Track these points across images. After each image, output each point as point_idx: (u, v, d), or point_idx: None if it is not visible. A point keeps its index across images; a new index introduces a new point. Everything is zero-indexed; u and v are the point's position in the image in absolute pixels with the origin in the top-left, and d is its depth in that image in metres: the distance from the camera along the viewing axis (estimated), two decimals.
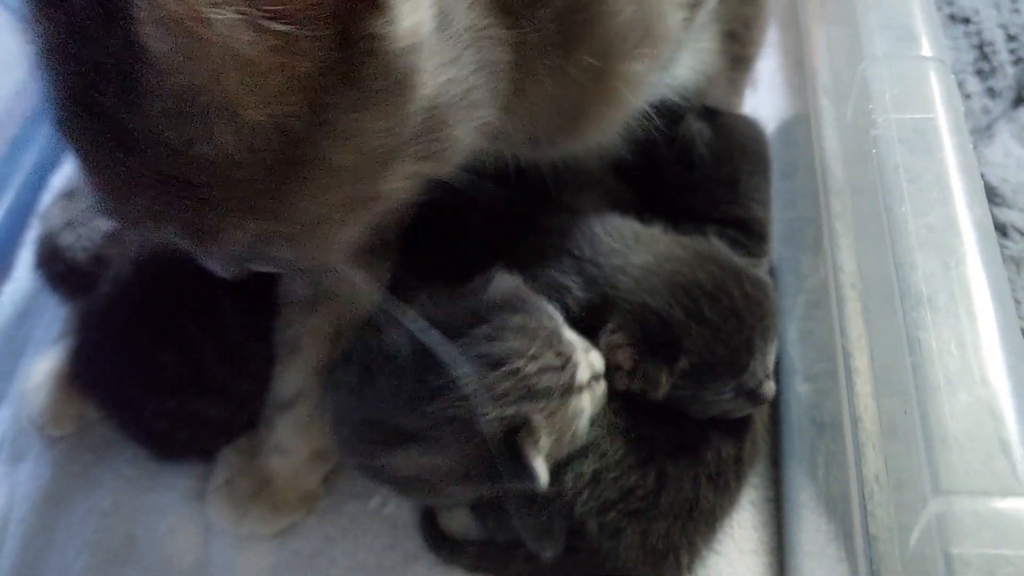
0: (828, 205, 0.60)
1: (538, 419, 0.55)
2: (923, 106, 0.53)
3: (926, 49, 0.56)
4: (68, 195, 0.77)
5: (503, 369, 0.55)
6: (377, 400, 0.58)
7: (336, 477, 0.70)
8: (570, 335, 0.59)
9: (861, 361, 0.51)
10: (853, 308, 0.54)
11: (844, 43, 0.60)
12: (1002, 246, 0.80)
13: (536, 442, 0.55)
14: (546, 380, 0.56)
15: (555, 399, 0.56)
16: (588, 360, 0.59)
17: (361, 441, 0.60)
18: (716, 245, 0.64)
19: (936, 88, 0.54)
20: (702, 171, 0.73)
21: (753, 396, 0.61)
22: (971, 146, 0.51)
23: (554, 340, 0.58)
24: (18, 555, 0.68)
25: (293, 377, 0.66)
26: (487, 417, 0.54)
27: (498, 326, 0.57)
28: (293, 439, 0.67)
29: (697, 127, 0.73)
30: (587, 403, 0.58)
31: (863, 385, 0.51)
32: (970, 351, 0.43)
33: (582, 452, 0.60)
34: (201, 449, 0.70)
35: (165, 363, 0.63)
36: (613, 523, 0.59)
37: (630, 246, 0.63)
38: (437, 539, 0.67)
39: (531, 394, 0.55)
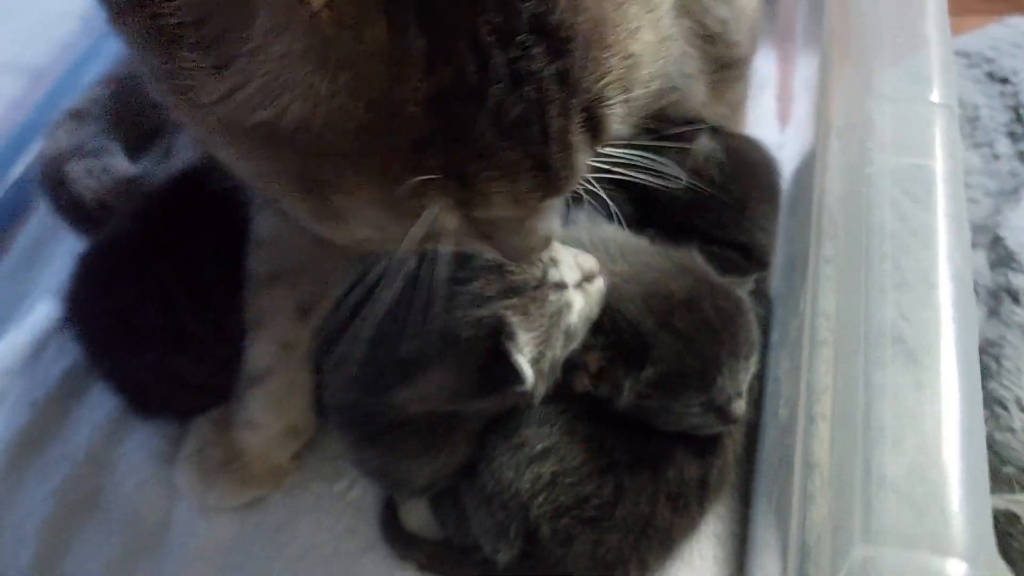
0: (819, 245, 0.59)
1: (510, 316, 0.56)
2: (922, 151, 0.52)
3: (936, 95, 0.55)
4: (76, 115, 0.77)
5: (480, 268, 0.57)
6: (373, 342, 0.58)
7: (308, 455, 0.71)
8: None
9: (824, 406, 0.50)
10: (826, 353, 0.53)
11: (857, 82, 0.59)
12: (1012, 312, 0.78)
13: (513, 338, 0.55)
14: (519, 279, 0.57)
15: (527, 295, 0.57)
16: (576, 261, 0.60)
17: (366, 389, 0.60)
18: (695, 258, 0.64)
19: (938, 134, 0.53)
20: (710, 192, 0.72)
21: (722, 413, 0.61)
22: (963, 197, 0.50)
23: None
24: None
25: (261, 351, 0.67)
26: (466, 319, 0.56)
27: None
28: (264, 414, 0.68)
29: (709, 146, 0.72)
30: (575, 301, 0.59)
31: (823, 431, 0.50)
32: (925, 402, 0.42)
33: (543, 454, 0.60)
34: (177, 409, 0.71)
35: (148, 318, 0.64)
36: (565, 529, 0.59)
37: (612, 255, 0.63)
38: (395, 532, 0.67)
39: (504, 293, 0.57)
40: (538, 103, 0.38)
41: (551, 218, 0.46)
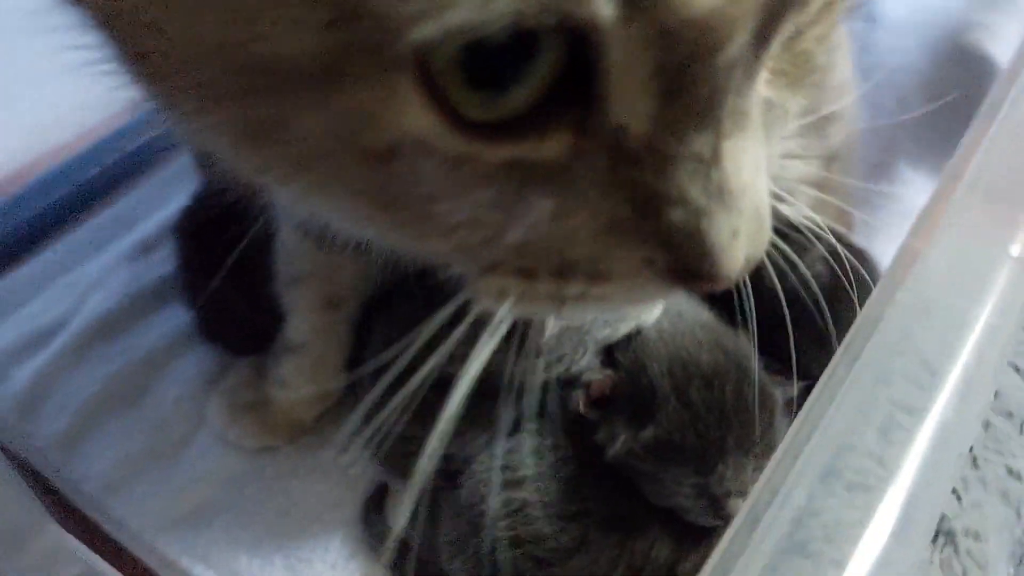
0: None
1: None
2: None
3: None
4: None
5: None
6: None
7: (328, 421, 0.74)
8: None
9: None
10: None
11: None
12: None
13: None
14: None
15: None
16: None
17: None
18: (740, 340, 0.61)
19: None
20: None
21: (716, 505, 0.58)
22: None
23: None
24: (47, 363, 0.77)
25: (295, 329, 0.70)
26: None
27: None
28: (295, 377, 0.71)
29: (818, 270, 0.68)
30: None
31: None
32: None
33: (521, 481, 0.60)
34: (231, 343, 0.77)
35: (224, 255, 0.70)
36: (517, 561, 0.58)
37: (666, 310, 0.63)
38: (374, 518, 0.68)
39: None
40: None
41: (759, 169, 0.30)
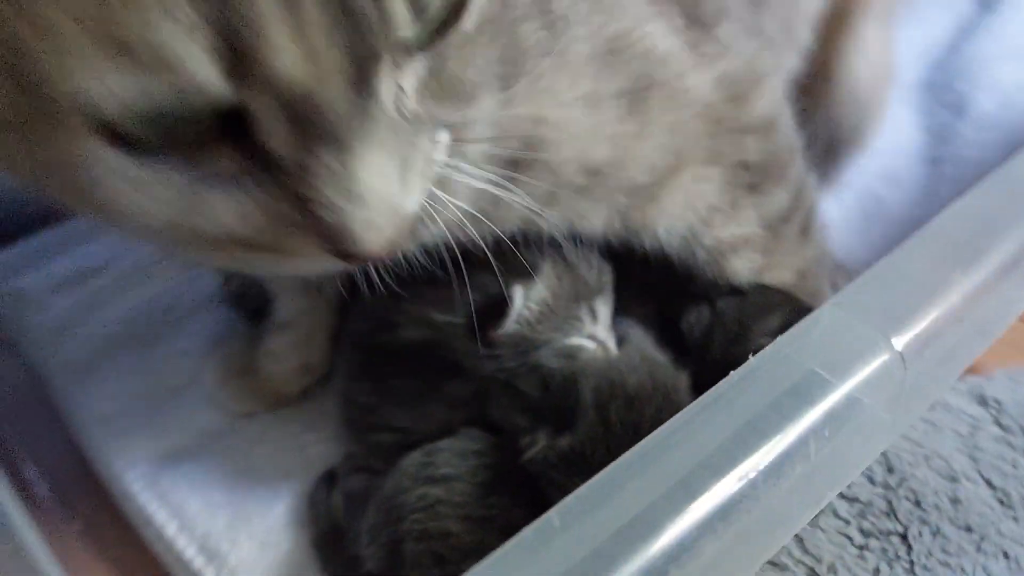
0: None
1: (547, 269, 0.61)
2: None
3: None
4: None
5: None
6: None
7: (310, 398, 0.77)
8: (611, 289, 0.65)
9: None
10: None
11: None
12: None
13: (529, 293, 0.61)
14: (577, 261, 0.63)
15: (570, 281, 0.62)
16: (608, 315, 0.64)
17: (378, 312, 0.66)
18: (678, 377, 0.60)
19: None
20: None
21: None
22: None
23: (598, 260, 0.64)
24: (83, 299, 0.84)
25: (282, 308, 0.74)
26: None
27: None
28: (283, 350, 0.75)
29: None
30: (585, 325, 0.63)
31: None
32: None
33: (441, 479, 0.60)
34: (247, 311, 0.82)
35: None
36: (419, 555, 0.59)
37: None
38: (317, 497, 0.70)
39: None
40: None
41: (389, 174, 0.36)
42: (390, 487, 0.62)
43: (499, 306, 0.60)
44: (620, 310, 0.67)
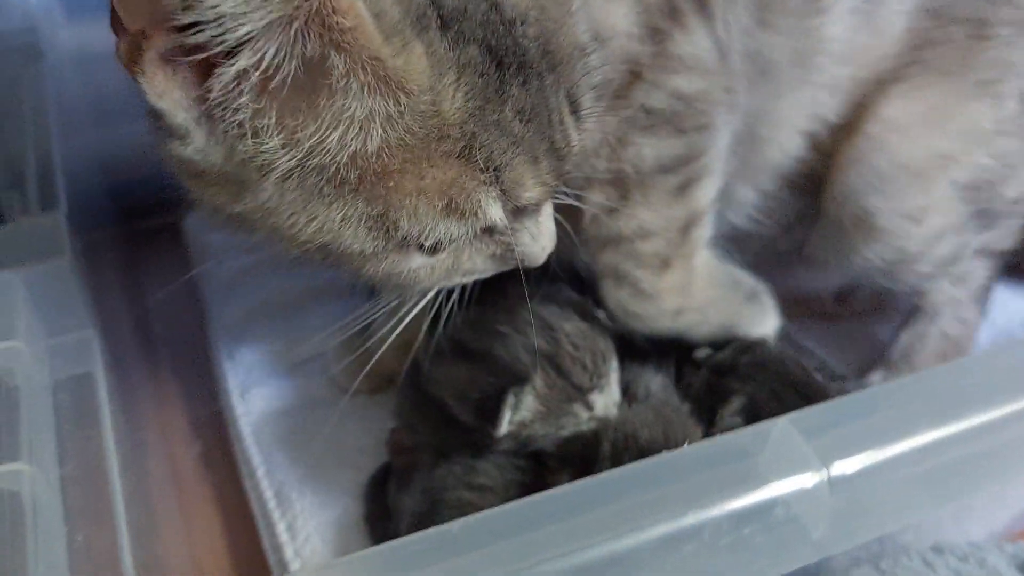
0: None
1: (536, 379, 0.68)
2: None
3: None
4: None
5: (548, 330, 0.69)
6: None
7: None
8: (614, 373, 0.71)
9: None
10: None
11: None
12: None
13: (519, 396, 0.67)
14: (571, 367, 0.68)
15: (564, 382, 0.68)
16: (609, 399, 0.70)
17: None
18: (692, 430, 0.66)
19: None
20: None
21: None
22: None
23: (598, 355, 0.69)
24: (251, 263, 1.00)
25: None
26: (515, 340, 0.69)
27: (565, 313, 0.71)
28: (389, 334, 0.86)
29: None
30: (582, 419, 0.69)
31: None
32: None
33: (478, 488, 0.69)
34: None
35: None
36: None
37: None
38: (375, 487, 0.80)
39: (554, 361, 0.68)
40: (541, 92, 0.49)
41: (551, 219, 0.57)
42: (437, 480, 0.71)
43: (494, 408, 0.67)
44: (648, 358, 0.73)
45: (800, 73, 0.71)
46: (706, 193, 0.70)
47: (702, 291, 0.74)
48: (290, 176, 0.47)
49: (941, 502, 0.55)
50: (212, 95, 0.43)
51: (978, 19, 0.73)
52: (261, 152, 0.45)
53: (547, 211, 0.56)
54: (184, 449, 0.87)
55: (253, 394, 0.89)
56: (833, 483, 0.47)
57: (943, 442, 0.48)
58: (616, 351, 0.72)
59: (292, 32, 0.41)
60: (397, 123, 0.46)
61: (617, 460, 0.64)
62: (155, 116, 0.46)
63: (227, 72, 0.42)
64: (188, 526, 0.79)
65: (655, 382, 0.73)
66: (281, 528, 0.78)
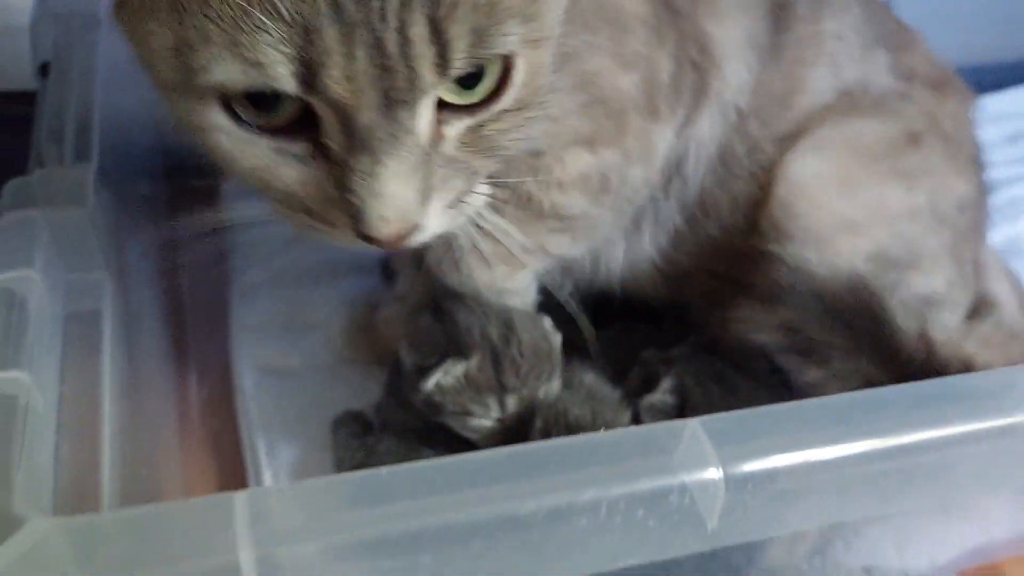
0: None
1: (474, 362, 0.74)
2: None
3: None
4: None
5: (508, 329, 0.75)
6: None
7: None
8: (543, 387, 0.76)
9: None
10: None
11: None
12: None
13: (451, 369, 0.74)
14: (507, 367, 0.74)
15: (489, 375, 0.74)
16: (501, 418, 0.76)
17: None
18: (618, 408, 0.73)
19: None
20: None
21: None
22: None
23: (536, 372, 0.75)
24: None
25: (402, 282, 0.93)
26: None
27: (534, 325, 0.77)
28: (394, 318, 0.93)
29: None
30: (491, 410, 0.75)
31: None
32: None
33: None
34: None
35: None
36: None
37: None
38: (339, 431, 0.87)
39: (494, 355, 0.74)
40: None
41: (407, 189, 0.50)
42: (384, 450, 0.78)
43: (431, 365, 0.74)
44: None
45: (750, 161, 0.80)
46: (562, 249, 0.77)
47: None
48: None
49: (829, 517, 0.59)
50: None
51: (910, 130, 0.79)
52: None
53: (392, 171, 0.49)
54: (191, 392, 0.94)
55: (260, 351, 0.96)
56: (728, 482, 0.52)
57: (836, 461, 0.53)
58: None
59: None
60: None
61: (546, 435, 0.70)
62: None
63: None
64: (183, 460, 0.87)
65: (588, 376, 0.78)
66: (267, 476, 0.85)
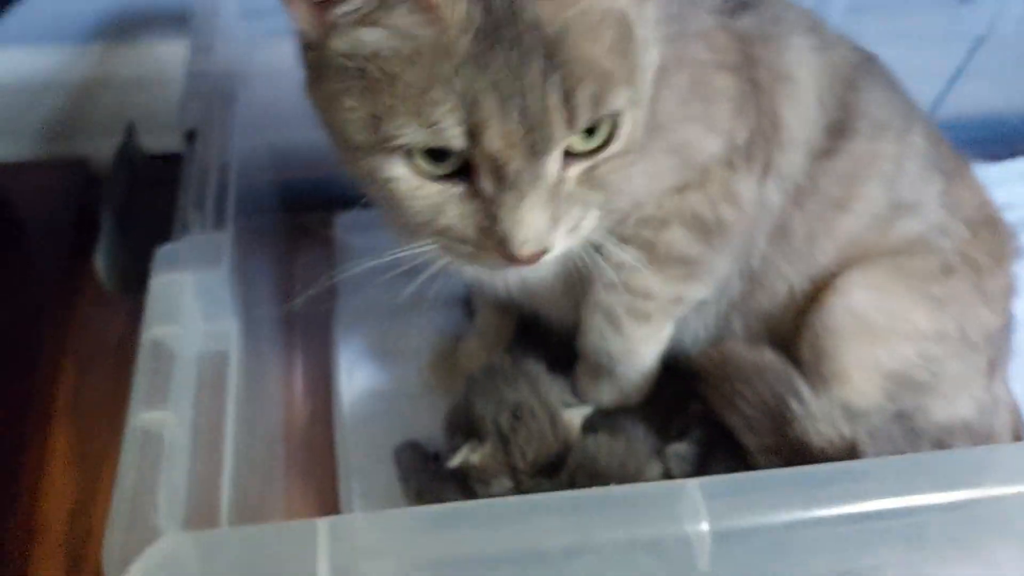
0: None
1: (488, 447, 0.86)
2: None
3: None
4: None
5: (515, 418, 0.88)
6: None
7: None
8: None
9: None
10: None
11: None
12: None
13: (472, 451, 0.87)
14: (514, 452, 0.86)
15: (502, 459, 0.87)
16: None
17: None
18: (647, 461, 0.84)
19: None
20: None
21: None
22: None
23: (543, 451, 0.86)
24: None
25: (481, 320, 1.07)
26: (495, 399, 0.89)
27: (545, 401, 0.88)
28: (475, 350, 1.07)
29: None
30: (506, 484, 0.87)
31: None
32: None
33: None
34: None
35: None
36: None
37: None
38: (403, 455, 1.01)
39: (503, 440, 0.86)
40: (525, 63, 0.58)
41: (542, 217, 0.64)
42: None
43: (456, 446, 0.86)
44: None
45: (806, 246, 0.89)
46: (696, 292, 0.87)
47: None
48: (335, 66, 0.63)
49: (812, 570, 0.69)
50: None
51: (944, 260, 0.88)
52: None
53: (531, 203, 0.63)
54: (299, 407, 1.10)
55: (357, 373, 1.11)
56: (715, 533, 0.63)
57: (812, 521, 0.63)
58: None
59: None
60: (418, 37, 0.59)
61: (572, 475, 0.81)
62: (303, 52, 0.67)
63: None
64: (288, 464, 1.03)
65: (629, 424, 0.89)
66: (355, 487, 1.00)
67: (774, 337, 0.92)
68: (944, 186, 0.92)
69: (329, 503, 1.02)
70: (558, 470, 0.84)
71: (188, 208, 0.86)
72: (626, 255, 0.80)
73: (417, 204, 0.66)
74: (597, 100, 0.62)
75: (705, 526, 0.63)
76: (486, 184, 0.63)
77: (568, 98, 0.61)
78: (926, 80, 1.31)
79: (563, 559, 0.62)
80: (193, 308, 0.79)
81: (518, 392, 0.87)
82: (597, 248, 0.77)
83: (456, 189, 0.65)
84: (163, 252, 0.81)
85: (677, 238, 0.85)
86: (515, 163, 0.61)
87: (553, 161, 0.64)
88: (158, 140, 1.24)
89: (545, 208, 0.64)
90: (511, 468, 0.85)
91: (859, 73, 0.89)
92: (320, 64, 0.64)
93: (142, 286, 0.79)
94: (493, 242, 0.65)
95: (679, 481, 0.66)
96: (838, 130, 0.87)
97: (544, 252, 0.66)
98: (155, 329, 0.74)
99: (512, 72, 0.59)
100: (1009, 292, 0.94)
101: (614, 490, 0.66)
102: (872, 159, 0.88)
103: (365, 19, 0.60)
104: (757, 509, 0.64)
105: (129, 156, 1.23)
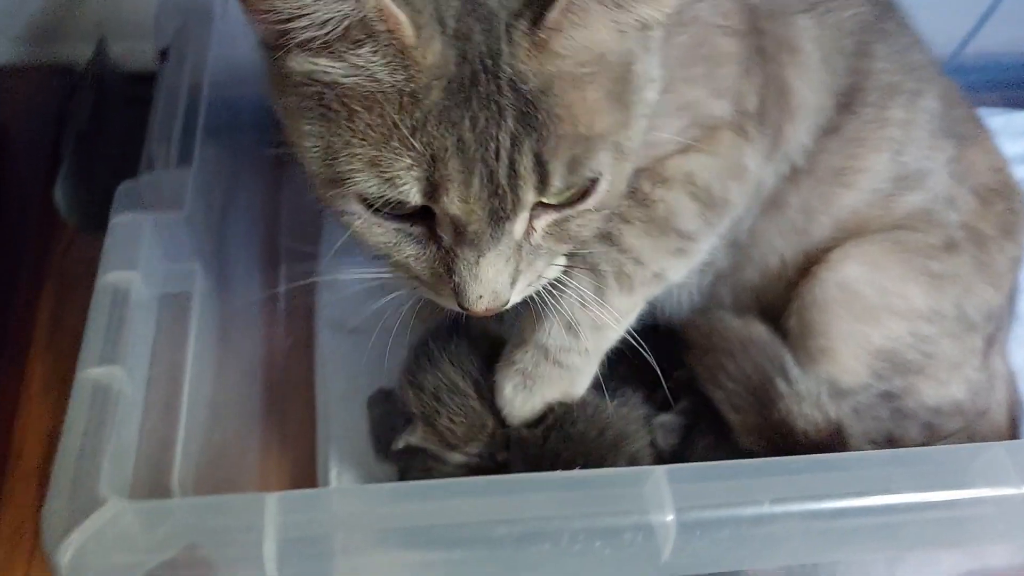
0: None
1: (419, 430, 0.85)
2: None
3: None
4: None
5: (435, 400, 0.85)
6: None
7: None
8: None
9: None
10: None
11: None
12: None
13: (409, 434, 0.85)
14: (443, 430, 0.84)
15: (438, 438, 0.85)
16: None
17: None
18: (630, 435, 0.80)
19: None
20: None
21: None
22: None
23: (475, 428, 0.83)
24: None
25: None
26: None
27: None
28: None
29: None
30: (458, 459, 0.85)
31: None
32: None
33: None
34: None
35: None
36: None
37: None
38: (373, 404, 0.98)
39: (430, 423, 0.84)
40: (497, 123, 0.54)
41: (502, 276, 0.61)
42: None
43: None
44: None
45: (802, 220, 0.84)
46: (679, 269, 0.81)
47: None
48: (294, 80, 0.57)
49: (776, 560, 0.67)
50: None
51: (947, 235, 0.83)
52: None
53: (490, 261, 0.60)
54: (279, 341, 1.08)
55: (336, 311, 1.08)
56: (680, 524, 0.60)
57: (775, 516, 0.61)
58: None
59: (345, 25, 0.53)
60: (383, 81, 0.54)
61: (547, 431, 0.78)
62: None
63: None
64: (267, 399, 1.01)
65: (628, 396, 0.85)
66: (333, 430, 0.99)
67: (764, 309, 0.87)
68: (955, 152, 0.86)
69: (307, 438, 1.01)
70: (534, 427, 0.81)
71: (153, 143, 0.82)
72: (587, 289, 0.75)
73: (373, 240, 0.63)
74: (575, 166, 0.58)
75: (671, 517, 0.60)
76: (445, 235, 0.60)
77: (541, 162, 0.57)
78: (956, 18, 1.22)
79: (515, 545, 0.60)
80: (154, 251, 0.75)
81: (438, 373, 0.84)
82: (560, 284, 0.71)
83: (415, 230, 0.62)
84: (123, 189, 0.78)
85: (682, 207, 0.78)
86: (475, 226, 0.58)
87: (519, 223, 0.61)
88: (143, 54, 1.17)
89: (505, 267, 0.61)
90: (448, 445, 0.83)
91: (870, 34, 0.82)
92: (280, 73, 0.59)
93: (105, 223, 0.75)
94: (448, 289, 0.62)
95: (646, 468, 0.63)
96: (847, 96, 0.82)
97: (501, 306, 0.63)
98: (111, 275, 0.71)
99: (482, 132, 0.55)
100: (1016, 265, 0.89)
101: (575, 475, 0.64)
102: (880, 126, 0.83)
103: (325, 49, 0.55)
104: (724, 500, 0.61)
105: (98, 74, 1.15)
